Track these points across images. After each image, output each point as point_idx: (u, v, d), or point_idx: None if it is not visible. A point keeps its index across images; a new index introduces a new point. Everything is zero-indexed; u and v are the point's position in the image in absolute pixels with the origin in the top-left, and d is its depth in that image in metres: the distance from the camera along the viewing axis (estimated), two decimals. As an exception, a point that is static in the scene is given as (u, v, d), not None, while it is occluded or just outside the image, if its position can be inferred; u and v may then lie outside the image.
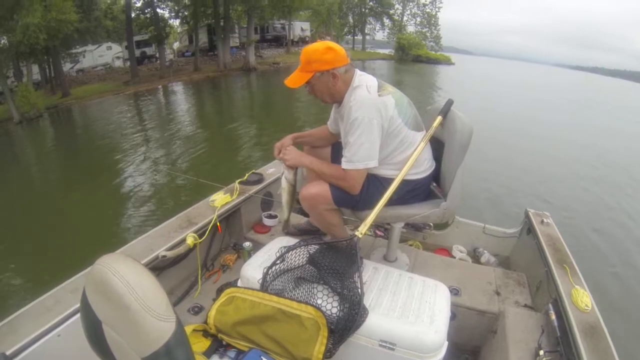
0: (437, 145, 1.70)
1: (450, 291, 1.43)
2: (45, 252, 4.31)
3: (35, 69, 17.24)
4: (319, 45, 1.47)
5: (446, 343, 1.20)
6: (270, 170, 2.46)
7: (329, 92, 1.52)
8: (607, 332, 1.29)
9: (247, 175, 2.33)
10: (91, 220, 5.10)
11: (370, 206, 1.51)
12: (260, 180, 2.32)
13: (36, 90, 14.13)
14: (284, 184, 1.71)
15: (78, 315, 1.24)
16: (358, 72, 1.53)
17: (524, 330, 1.45)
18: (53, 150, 9.77)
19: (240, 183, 2.24)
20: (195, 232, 1.80)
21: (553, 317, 1.43)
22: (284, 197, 1.75)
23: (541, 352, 1.31)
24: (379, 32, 41.78)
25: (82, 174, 7.04)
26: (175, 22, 24.75)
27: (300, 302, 1.20)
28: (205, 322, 1.26)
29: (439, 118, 1.69)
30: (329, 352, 1.15)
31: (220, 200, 2.04)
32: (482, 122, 9.03)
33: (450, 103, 1.73)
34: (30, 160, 8.99)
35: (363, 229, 1.43)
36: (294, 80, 1.49)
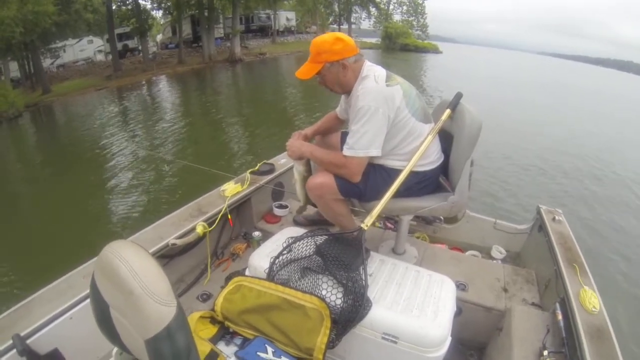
0: (446, 138, 1.68)
1: (457, 286, 1.42)
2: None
3: (14, 65, 16.63)
4: (328, 36, 1.50)
5: (449, 339, 1.19)
6: (282, 161, 2.48)
7: (338, 82, 1.54)
8: (614, 335, 1.26)
9: (258, 165, 2.36)
10: (98, 211, 5.11)
11: (377, 197, 1.51)
12: (271, 170, 2.34)
13: (15, 88, 13.69)
14: (296, 175, 1.75)
15: (89, 299, 1.25)
16: (367, 62, 1.55)
17: (529, 329, 1.42)
18: (36, 151, 9.31)
19: (251, 173, 2.26)
20: (206, 221, 1.83)
21: (560, 317, 1.39)
22: (298, 189, 1.79)
23: (545, 352, 1.28)
24: (365, 21, 41.42)
25: (73, 173, 6.76)
26: (158, 14, 24.18)
27: (305, 292, 1.21)
28: (213, 310, 1.28)
29: (448, 111, 1.67)
30: (332, 343, 1.16)
31: (231, 190, 2.07)
32: (496, 116, 9.01)
33: (459, 96, 1.71)
34: (11, 164, 8.46)
35: (369, 221, 1.43)
36: (305, 71, 1.52)
